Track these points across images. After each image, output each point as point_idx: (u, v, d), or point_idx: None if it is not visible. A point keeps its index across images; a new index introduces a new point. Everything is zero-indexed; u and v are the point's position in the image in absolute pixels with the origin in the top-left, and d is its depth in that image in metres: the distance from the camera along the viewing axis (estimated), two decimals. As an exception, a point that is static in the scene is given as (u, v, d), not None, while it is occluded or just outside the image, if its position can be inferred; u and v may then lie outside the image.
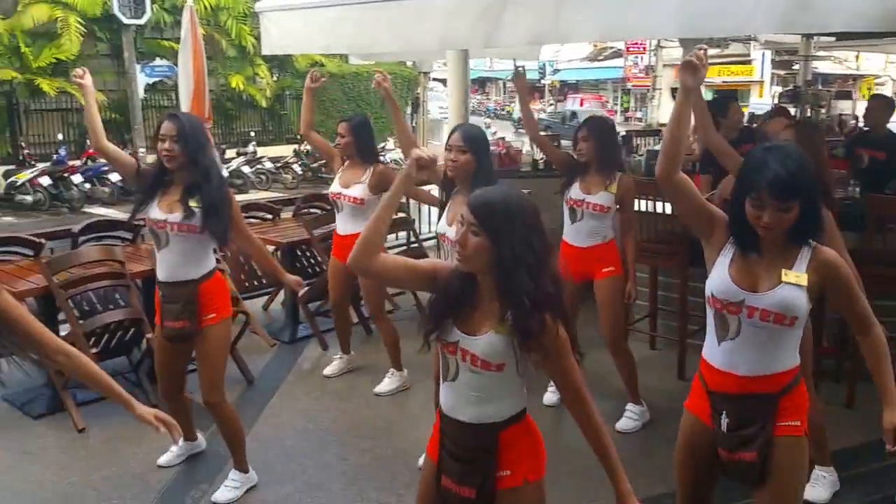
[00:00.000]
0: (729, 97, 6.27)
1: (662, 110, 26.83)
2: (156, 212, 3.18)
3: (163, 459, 3.72)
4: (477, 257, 1.93)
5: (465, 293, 2.01)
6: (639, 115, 30.83)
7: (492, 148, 6.87)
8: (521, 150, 7.45)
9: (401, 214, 5.95)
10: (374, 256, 2.07)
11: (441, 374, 2.10)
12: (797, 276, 2.11)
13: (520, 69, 4.38)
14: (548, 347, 1.93)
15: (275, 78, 19.76)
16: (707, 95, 28.67)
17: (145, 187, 3.24)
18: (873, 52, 15.56)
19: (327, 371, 4.85)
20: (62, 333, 4.32)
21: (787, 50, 22.92)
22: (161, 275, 3.29)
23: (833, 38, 8.98)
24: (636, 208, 4.77)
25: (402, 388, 4.64)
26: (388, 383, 4.65)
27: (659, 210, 4.76)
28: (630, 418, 4.12)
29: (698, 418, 2.33)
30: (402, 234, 6.63)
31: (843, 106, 12.81)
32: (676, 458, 2.43)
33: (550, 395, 4.27)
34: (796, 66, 27.13)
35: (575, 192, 4.01)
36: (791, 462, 2.21)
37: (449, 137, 3.31)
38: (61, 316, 4.28)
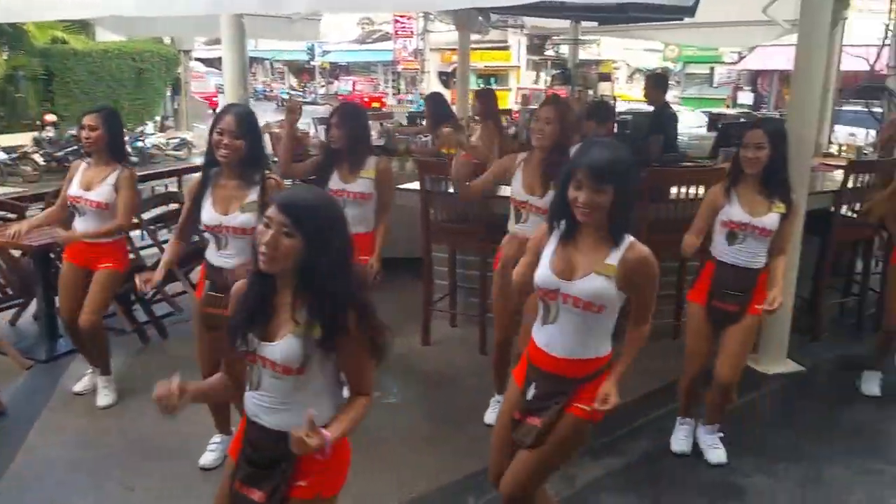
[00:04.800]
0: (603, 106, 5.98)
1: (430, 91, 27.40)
2: None
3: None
4: (287, 259, 1.88)
5: (264, 298, 1.96)
6: (410, 97, 31.22)
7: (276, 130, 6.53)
8: (307, 133, 7.14)
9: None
10: None
11: (248, 382, 2.04)
12: (607, 267, 2.28)
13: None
14: (348, 346, 1.94)
15: (5, 57, 17.37)
16: (472, 79, 29.61)
17: None
18: (615, 37, 17.07)
19: (77, 388, 4.27)
20: None
21: (539, 35, 24.45)
22: None
23: (596, 24, 9.57)
24: (434, 189, 4.69)
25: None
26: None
27: (452, 191, 4.67)
28: None
29: (514, 381, 2.54)
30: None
31: (604, 87, 14.25)
32: (498, 421, 2.63)
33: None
34: (548, 52, 29.09)
35: (335, 182, 3.81)
36: (566, 437, 2.38)
37: (221, 120, 3.04)
38: None
